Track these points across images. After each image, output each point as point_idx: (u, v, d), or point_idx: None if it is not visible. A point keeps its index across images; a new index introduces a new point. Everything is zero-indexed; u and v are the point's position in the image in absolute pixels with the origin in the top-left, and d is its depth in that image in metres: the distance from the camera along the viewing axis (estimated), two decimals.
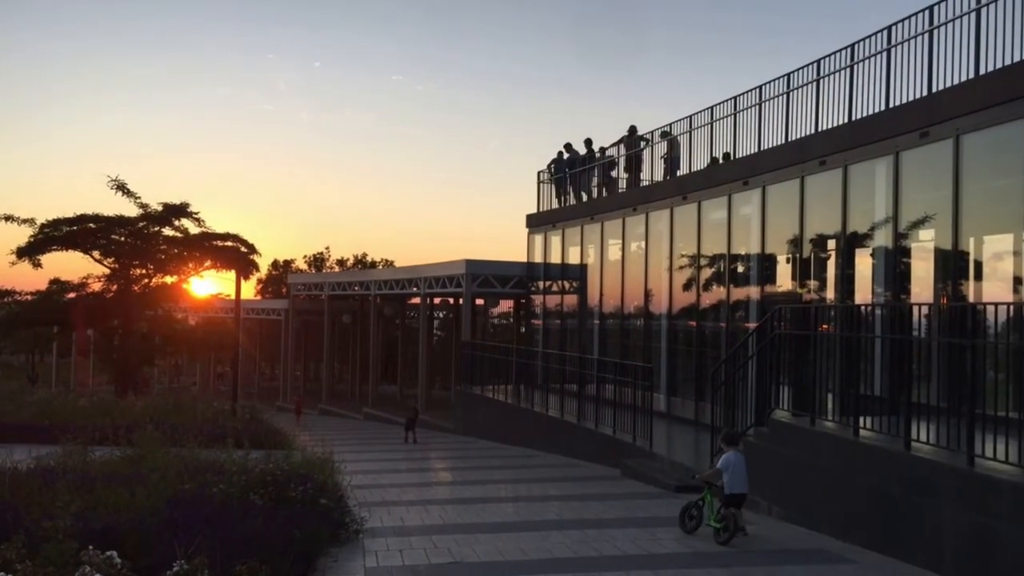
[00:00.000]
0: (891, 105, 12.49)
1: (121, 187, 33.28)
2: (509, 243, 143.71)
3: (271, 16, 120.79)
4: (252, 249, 36.98)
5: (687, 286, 18.27)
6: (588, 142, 23.94)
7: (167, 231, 35.55)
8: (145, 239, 35.09)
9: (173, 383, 53.12)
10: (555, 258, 24.99)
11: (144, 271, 35.92)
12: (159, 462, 9.70)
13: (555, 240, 24.87)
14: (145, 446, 10.90)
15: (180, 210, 34.78)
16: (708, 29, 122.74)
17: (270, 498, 8.02)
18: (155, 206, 34.36)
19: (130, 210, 34.44)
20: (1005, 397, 6.78)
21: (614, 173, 22.07)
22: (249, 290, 52.34)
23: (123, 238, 34.95)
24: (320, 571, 6.97)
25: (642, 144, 20.92)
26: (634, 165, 21.23)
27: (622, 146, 21.95)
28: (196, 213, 35.03)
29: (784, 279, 15.39)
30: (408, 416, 23.51)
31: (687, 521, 8.34)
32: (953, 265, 11.14)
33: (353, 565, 7.25)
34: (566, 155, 24.67)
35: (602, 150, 22.88)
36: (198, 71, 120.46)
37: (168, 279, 36.71)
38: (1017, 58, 10.09)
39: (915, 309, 8.33)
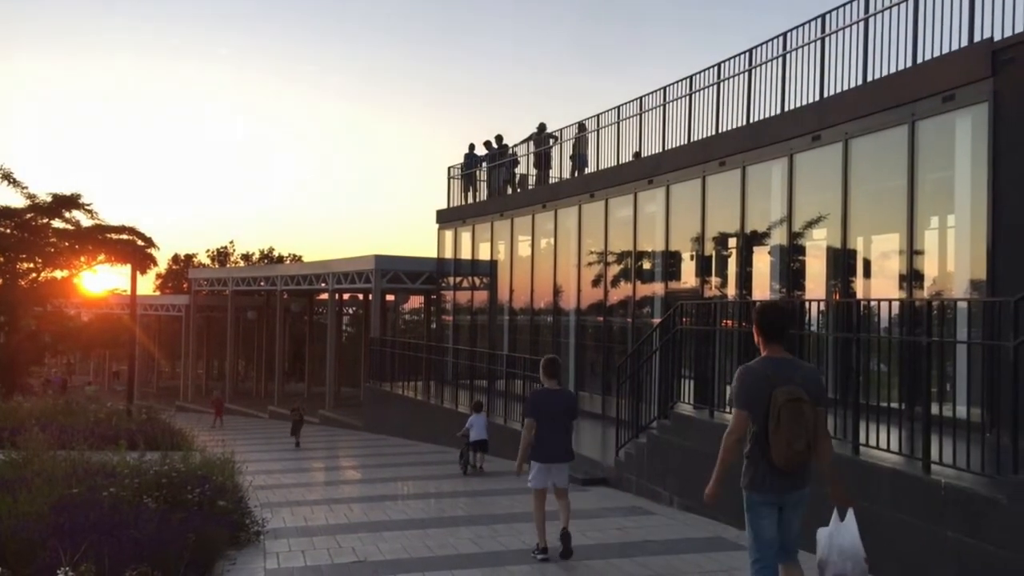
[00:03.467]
0: (786, 109, 12.99)
1: (7, 176, 31.49)
2: (421, 238, 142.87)
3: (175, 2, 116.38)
4: (149, 242, 35.63)
5: (595, 282, 18.56)
6: (499, 138, 24.03)
7: (57, 223, 33.85)
8: (33, 231, 33.31)
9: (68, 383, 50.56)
10: (465, 254, 24.98)
11: (32, 265, 34.12)
12: (45, 465, 9.21)
13: (465, 236, 24.86)
14: (30, 449, 10.34)
15: (71, 201, 33.17)
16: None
17: (165, 501, 7.73)
18: (44, 197, 32.67)
19: (17, 201, 32.65)
20: (888, 388, 7.15)
21: (518, 170, 22.23)
22: (148, 285, 50.41)
23: (8, 230, 33.08)
24: (218, 575, 6.77)
25: (551, 141, 21.11)
26: (543, 163, 21.42)
27: (531, 143, 22.11)
28: (88, 205, 33.52)
29: (688, 276, 15.81)
30: (293, 419, 21.47)
31: (465, 468, 13.38)
32: (843, 263, 11.68)
33: (253, 567, 7.07)
34: (477, 151, 24.70)
35: (505, 146, 23.00)
36: (95, 51, 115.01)
37: (58, 274, 34.98)
38: (902, 66, 10.65)
39: (808, 305, 8.69)
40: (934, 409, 6.42)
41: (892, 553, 6.44)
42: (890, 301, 7.26)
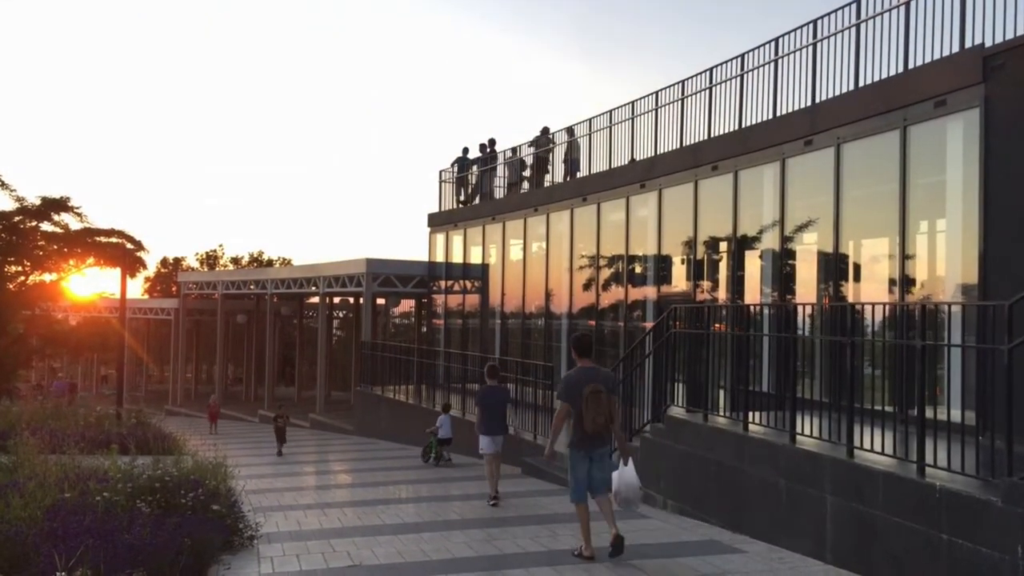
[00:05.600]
0: (778, 114, 13.06)
1: None
2: (412, 242, 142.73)
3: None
4: (139, 246, 35.42)
5: (587, 286, 18.60)
6: (492, 142, 24.04)
7: (46, 226, 33.61)
8: (21, 234, 33.08)
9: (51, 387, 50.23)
10: (457, 258, 24.98)
11: (20, 268, 33.87)
12: (37, 470, 9.14)
13: (457, 240, 24.86)
14: (21, 453, 10.27)
15: (60, 204, 32.95)
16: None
17: (158, 505, 7.69)
18: (33, 200, 32.46)
19: (5, 203, 32.44)
20: (882, 392, 7.19)
21: (526, 173, 22.16)
22: (136, 289, 50.17)
23: None
24: None
25: (551, 146, 21.11)
26: (540, 166, 21.42)
27: (531, 147, 22.05)
28: (78, 207, 33.29)
29: (679, 279, 15.87)
30: (277, 426, 19.69)
31: (427, 459, 15.46)
32: (834, 267, 11.74)
33: (247, 572, 7.03)
34: (469, 154, 24.70)
35: (493, 152, 22.96)
36: (82, 51, 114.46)
37: (47, 277, 34.73)
38: (893, 71, 10.73)
39: (800, 308, 8.74)
40: (927, 412, 6.46)
41: (887, 555, 6.47)
42: (884, 305, 7.31)
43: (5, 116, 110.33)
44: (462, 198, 25.11)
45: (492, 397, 11.64)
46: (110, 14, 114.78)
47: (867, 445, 6.92)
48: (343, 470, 17.09)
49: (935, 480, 6.12)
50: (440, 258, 25.96)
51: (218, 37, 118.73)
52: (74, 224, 33.62)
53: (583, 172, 19.34)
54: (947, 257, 10.26)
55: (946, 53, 9.92)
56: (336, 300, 40.56)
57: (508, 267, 22.14)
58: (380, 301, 35.85)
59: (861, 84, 11.33)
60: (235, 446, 20.21)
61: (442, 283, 26.17)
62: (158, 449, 12.53)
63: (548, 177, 21.24)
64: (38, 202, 32.57)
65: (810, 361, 8.31)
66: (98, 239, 34.29)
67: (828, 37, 12.00)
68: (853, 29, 11.49)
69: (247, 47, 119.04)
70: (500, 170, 23.55)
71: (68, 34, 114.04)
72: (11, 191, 31.84)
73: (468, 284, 24.76)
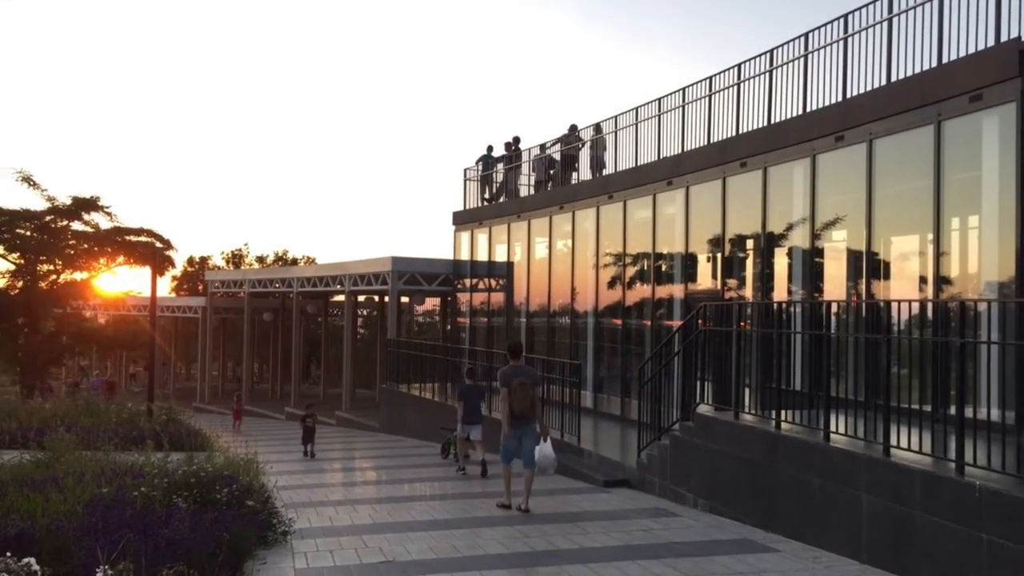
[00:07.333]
0: (808, 109, 12.95)
1: (27, 179, 31.82)
2: (436, 240, 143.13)
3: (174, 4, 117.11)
4: (167, 244, 35.90)
5: (613, 284, 18.54)
6: (516, 140, 24.04)
7: (76, 225, 34.15)
8: (53, 233, 33.65)
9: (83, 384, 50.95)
10: (482, 256, 25.00)
11: (52, 267, 34.40)
12: (73, 465, 9.30)
13: (482, 238, 24.88)
14: (57, 449, 10.44)
15: (90, 204, 33.48)
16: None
17: (194, 501, 7.78)
18: (63, 199, 32.97)
19: (37, 203, 32.98)
20: (918, 390, 7.11)
21: (552, 171, 22.12)
22: (164, 287, 50.74)
23: (29, 232, 33.40)
24: (248, 574, 6.80)
25: (579, 144, 21.06)
26: (567, 164, 21.38)
27: (556, 144, 22.01)
28: (107, 207, 33.80)
29: (706, 277, 15.78)
30: (306, 425, 18.42)
31: (446, 455, 15.45)
32: (865, 264, 11.63)
33: (283, 567, 7.10)
34: (494, 152, 24.71)
35: (541, 147, 22.86)
36: (109, 52, 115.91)
37: (77, 275, 35.24)
38: (927, 66, 10.59)
39: (832, 306, 8.66)
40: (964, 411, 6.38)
41: (924, 555, 6.41)
42: (921, 302, 7.23)
43: (36, 116, 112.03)
44: (487, 196, 25.13)
45: (471, 393, 14.13)
46: (138, 14, 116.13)
47: (903, 444, 6.86)
48: (371, 467, 17.20)
49: (974, 479, 6.05)
50: (465, 256, 26.00)
51: (243, 36, 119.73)
52: (104, 223, 34.16)
53: (609, 169, 19.29)
54: (981, 254, 10.12)
55: (981, 47, 9.78)
56: (361, 298, 40.76)
57: (533, 265, 22.13)
58: (404, 299, 36.01)
59: (894, 79, 11.20)
60: (263, 443, 20.37)
61: (467, 281, 26.22)
62: (190, 445, 12.67)
63: (575, 175, 21.20)
64: (69, 202, 33.10)
65: (842, 359, 8.25)
66: (128, 238, 34.77)
67: (860, 31, 11.87)
68: (885, 23, 11.35)
69: (272, 46, 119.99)
70: (525, 168, 23.54)
71: (97, 34, 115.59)
72: (42, 191, 32.39)
73: (493, 282, 24.78)
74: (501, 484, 10.22)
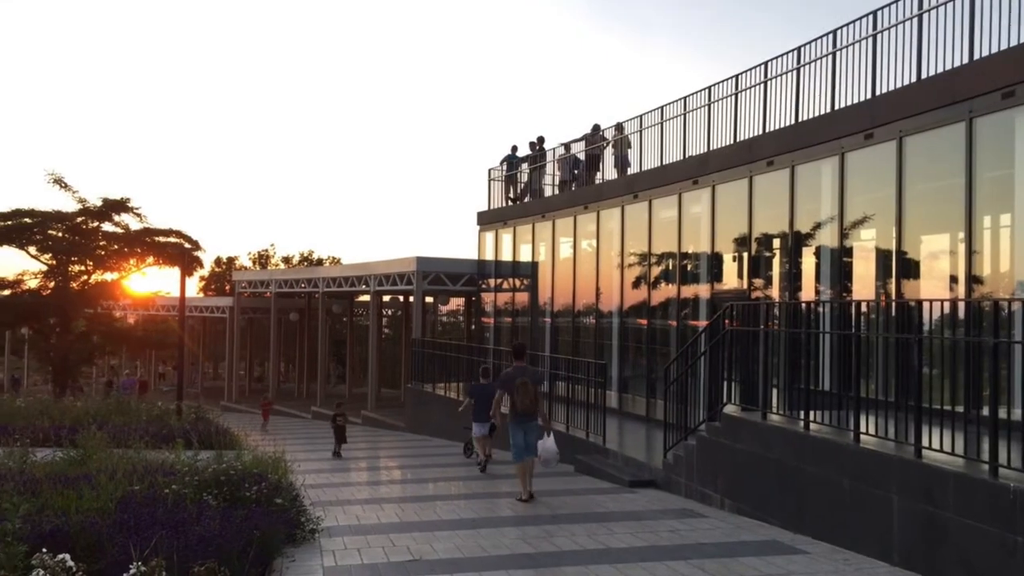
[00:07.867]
0: (836, 107, 12.82)
1: (58, 181, 32.34)
2: (461, 240, 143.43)
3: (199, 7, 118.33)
4: (196, 245, 36.32)
5: (638, 284, 18.48)
6: (541, 139, 24.03)
7: (107, 226, 34.66)
8: (84, 235, 34.19)
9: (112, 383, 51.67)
10: (506, 256, 25.02)
11: (83, 268, 34.94)
12: (105, 463, 9.43)
13: (506, 238, 24.91)
14: (89, 447, 10.60)
15: (120, 205, 33.97)
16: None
17: (224, 498, 7.87)
18: (94, 201, 33.46)
19: (68, 204, 33.50)
20: (950, 391, 7.01)
21: (577, 171, 22.08)
22: (192, 288, 51.32)
23: (60, 233, 33.96)
24: (278, 572, 6.86)
25: (603, 143, 21.00)
26: (591, 163, 21.34)
27: (583, 144, 21.96)
28: (137, 208, 34.28)
29: (732, 277, 15.67)
30: (337, 424, 18.40)
31: (468, 454, 15.62)
32: (895, 263, 11.49)
33: (311, 565, 7.16)
34: (519, 152, 24.72)
35: (566, 147, 22.83)
36: (135, 55, 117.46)
37: (108, 276, 35.76)
38: (957, 63, 10.45)
39: (862, 306, 8.56)
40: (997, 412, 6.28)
41: (957, 557, 6.32)
42: (953, 302, 7.14)
43: (68, 118, 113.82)
44: (511, 196, 25.15)
45: (481, 392, 14.39)
46: (171, 17, 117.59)
47: (935, 445, 6.77)
48: (397, 466, 17.28)
49: (1009, 481, 5.96)
50: (489, 256, 26.04)
51: (274, 38, 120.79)
52: (134, 224, 34.64)
53: (634, 169, 19.22)
54: (1014, 252, 9.96)
55: (1013, 43, 9.63)
56: (385, 298, 40.96)
57: (558, 265, 22.12)
58: (428, 299, 36.14)
59: (924, 76, 11.05)
60: (290, 442, 20.54)
61: (491, 281, 26.25)
62: (219, 444, 12.80)
63: (599, 175, 21.14)
64: (99, 203, 33.58)
65: (872, 359, 8.15)
66: (157, 239, 35.22)
67: (888, 28, 11.73)
68: (915, 20, 11.21)
69: (301, 48, 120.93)
70: (549, 168, 23.52)
71: (129, 36, 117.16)
72: (73, 192, 32.90)
73: (517, 282, 24.80)
74: (518, 484, 10.76)
